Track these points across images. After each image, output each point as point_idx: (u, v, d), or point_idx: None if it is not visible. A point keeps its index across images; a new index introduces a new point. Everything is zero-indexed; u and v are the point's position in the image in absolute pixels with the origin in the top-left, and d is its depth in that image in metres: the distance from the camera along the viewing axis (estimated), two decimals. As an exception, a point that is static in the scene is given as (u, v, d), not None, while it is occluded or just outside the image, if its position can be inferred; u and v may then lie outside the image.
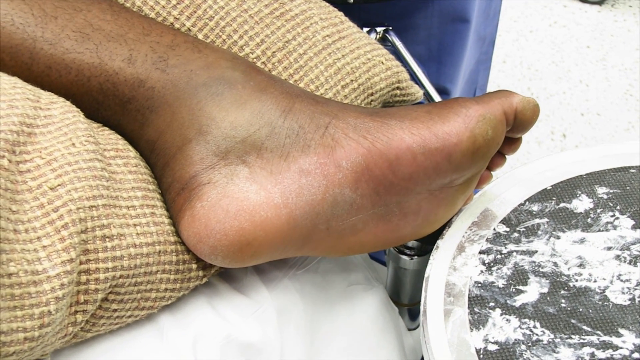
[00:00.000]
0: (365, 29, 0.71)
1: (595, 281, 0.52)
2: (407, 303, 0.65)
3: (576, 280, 0.52)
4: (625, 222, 0.56)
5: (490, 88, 1.70)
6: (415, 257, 0.61)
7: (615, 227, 0.55)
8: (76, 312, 0.43)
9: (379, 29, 0.72)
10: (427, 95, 0.69)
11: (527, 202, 0.58)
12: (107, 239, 0.44)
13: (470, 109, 0.50)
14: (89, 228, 0.43)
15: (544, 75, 1.79)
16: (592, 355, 0.47)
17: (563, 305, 0.50)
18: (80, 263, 0.43)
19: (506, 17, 1.94)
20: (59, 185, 0.43)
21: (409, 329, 0.69)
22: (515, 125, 0.52)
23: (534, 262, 0.53)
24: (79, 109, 0.48)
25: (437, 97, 0.69)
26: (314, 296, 0.56)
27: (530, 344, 0.48)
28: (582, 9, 1.98)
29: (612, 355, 0.47)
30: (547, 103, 1.70)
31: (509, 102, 0.51)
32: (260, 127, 0.49)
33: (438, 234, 0.55)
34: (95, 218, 0.44)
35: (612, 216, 0.56)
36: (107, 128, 0.50)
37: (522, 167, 0.61)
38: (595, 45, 1.87)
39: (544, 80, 1.77)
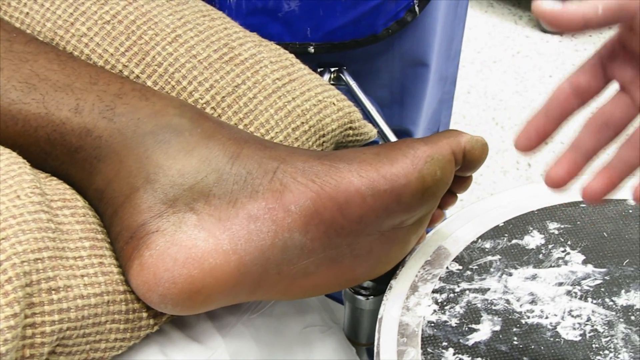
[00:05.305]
0: (320, 69, 0.72)
1: (547, 317, 0.52)
2: (365, 343, 0.65)
3: (528, 317, 0.52)
4: (576, 257, 0.56)
5: (455, 119, 1.71)
6: (371, 297, 0.61)
7: (566, 263, 0.56)
8: (22, 366, 0.43)
9: (332, 69, 0.73)
10: (381, 133, 0.70)
11: (479, 240, 0.58)
12: (53, 292, 0.44)
13: (418, 150, 0.51)
14: (34, 281, 0.43)
15: (508, 105, 1.81)
16: (544, 393, 0.47)
17: (515, 342, 0.50)
18: (26, 317, 0.42)
19: (470, 48, 1.96)
20: (2, 239, 0.43)
21: (369, 368, 0.68)
22: (464, 165, 0.52)
23: (487, 299, 0.53)
24: (25, 160, 0.48)
25: (391, 136, 0.70)
26: (269, 340, 0.56)
27: (482, 384, 0.48)
28: (544, 39, 2.01)
29: (563, 392, 0.47)
30: (512, 133, 1.71)
31: (457, 141, 0.52)
32: (208, 174, 0.49)
33: (392, 273, 0.55)
34: (41, 270, 0.43)
35: (563, 251, 0.57)
36: (55, 178, 0.50)
37: (475, 204, 0.61)
38: (558, 74, 1.90)
39: (509, 110, 1.80)
